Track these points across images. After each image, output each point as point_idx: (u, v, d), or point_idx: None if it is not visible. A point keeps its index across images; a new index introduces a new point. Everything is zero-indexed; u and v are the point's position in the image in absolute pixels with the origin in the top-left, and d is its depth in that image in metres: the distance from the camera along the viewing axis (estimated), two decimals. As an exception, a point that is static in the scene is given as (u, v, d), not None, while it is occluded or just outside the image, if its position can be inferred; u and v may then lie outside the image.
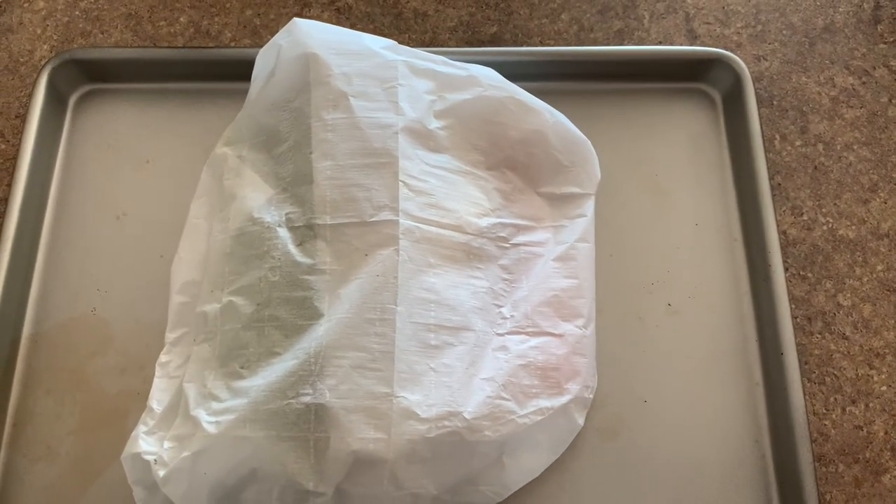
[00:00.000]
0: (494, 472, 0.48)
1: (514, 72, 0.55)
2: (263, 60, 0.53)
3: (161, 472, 0.44)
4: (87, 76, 0.61)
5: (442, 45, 0.64)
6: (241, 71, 0.56)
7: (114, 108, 0.61)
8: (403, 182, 0.48)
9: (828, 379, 0.54)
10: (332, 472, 0.43)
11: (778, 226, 0.56)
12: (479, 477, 0.47)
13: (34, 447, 0.51)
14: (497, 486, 0.48)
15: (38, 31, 0.64)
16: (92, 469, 0.50)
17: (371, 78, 0.50)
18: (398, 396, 0.44)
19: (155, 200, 0.57)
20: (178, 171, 0.58)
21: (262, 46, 0.53)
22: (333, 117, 0.49)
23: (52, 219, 0.57)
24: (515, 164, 0.54)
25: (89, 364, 0.53)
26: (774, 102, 0.63)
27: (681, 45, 0.64)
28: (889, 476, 0.52)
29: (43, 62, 0.62)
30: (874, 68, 0.64)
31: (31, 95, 0.59)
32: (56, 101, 0.60)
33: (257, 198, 0.50)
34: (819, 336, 0.55)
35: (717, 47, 0.62)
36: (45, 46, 0.64)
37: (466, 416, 0.45)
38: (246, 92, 0.54)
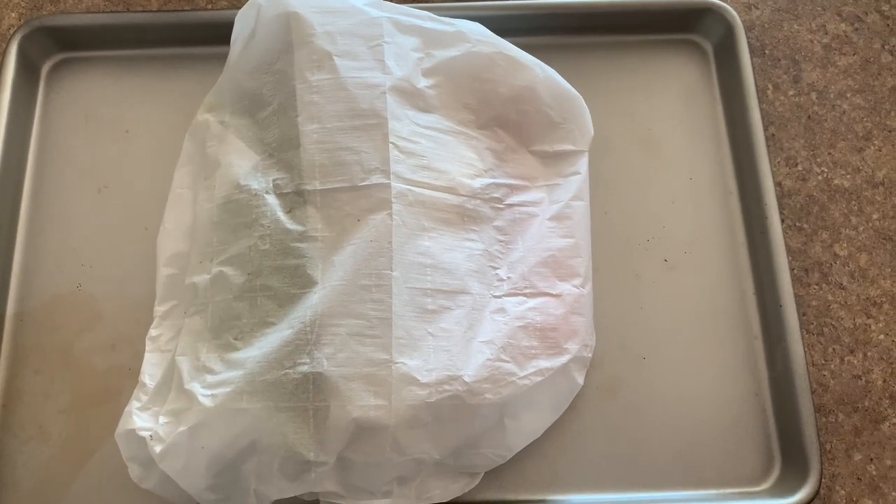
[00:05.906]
0: (496, 434, 0.47)
1: (502, 26, 0.54)
2: (242, 22, 0.51)
3: (158, 448, 0.43)
4: (59, 44, 0.59)
5: (427, 0, 0.62)
6: (219, 34, 0.54)
7: (89, 77, 0.59)
8: (394, 144, 0.47)
9: (826, 329, 0.54)
10: (333, 441, 0.43)
11: (773, 177, 0.55)
12: (481, 440, 0.47)
13: (25, 427, 0.50)
14: (500, 448, 0.48)
15: (5, -1, 0.62)
16: (85, 448, 0.49)
17: (356, 36, 0.49)
18: (397, 362, 0.43)
19: (136, 171, 0.56)
20: (158, 141, 0.56)
21: (240, 7, 0.51)
22: (318, 78, 0.48)
23: (30, 194, 0.55)
24: (507, 123, 0.53)
25: (78, 341, 0.52)
26: (766, 52, 0.62)
27: (670, -5, 0.63)
28: (888, 423, 0.52)
29: (11, 31, 0.59)
30: (866, 14, 0.63)
31: (0, 66, 0.56)
32: (28, 72, 0.58)
33: (243, 164, 0.49)
34: (816, 287, 0.55)
35: (707, -4, 0.61)
36: (13, 14, 0.61)
37: (466, 379, 0.44)
38: (226, 56, 0.52)
